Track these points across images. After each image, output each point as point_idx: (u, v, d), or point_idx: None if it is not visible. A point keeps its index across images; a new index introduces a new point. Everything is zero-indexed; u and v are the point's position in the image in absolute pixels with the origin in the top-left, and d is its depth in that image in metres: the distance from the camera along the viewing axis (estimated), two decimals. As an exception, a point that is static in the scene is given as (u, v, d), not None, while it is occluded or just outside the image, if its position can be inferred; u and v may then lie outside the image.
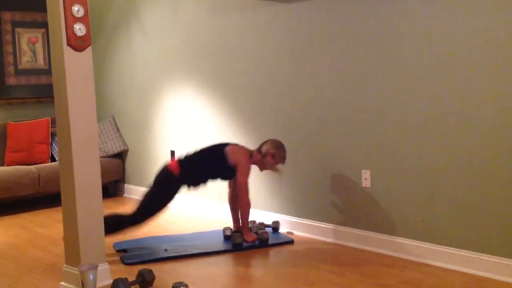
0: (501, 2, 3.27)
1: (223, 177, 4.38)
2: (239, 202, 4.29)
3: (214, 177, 4.31)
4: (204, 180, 4.28)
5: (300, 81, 4.43)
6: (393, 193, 3.88)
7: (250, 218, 4.62)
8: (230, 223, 4.59)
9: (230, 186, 4.48)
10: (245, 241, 4.20)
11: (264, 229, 4.45)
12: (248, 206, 4.25)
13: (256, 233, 4.30)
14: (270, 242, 4.23)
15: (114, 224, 4.00)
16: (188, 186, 4.24)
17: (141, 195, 4.23)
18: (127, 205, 5.83)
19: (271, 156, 4.26)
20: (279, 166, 4.33)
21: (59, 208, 3.71)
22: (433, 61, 3.60)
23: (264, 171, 4.45)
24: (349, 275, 3.52)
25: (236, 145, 4.35)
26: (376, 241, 3.99)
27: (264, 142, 4.33)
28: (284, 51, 4.53)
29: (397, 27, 3.77)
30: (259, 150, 4.31)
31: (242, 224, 4.29)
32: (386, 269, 3.62)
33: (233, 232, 4.38)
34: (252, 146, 4.56)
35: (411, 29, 3.69)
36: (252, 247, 4.16)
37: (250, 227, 4.41)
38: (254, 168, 4.35)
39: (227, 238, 4.34)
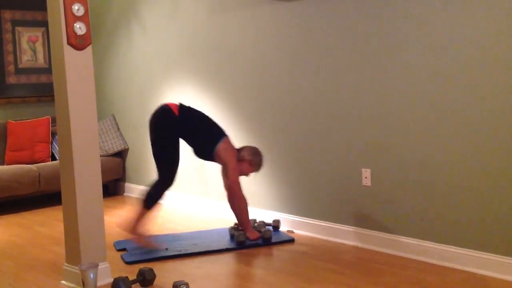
0: (501, 2, 3.27)
1: (198, 153, 4.35)
2: (235, 201, 4.28)
3: (193, 142, 4.29)
4: (188, 141, 4.28)
5: (300, 80, 4.43)
6: (394, 191, 3.88)
7: (250, 217, 4.62)
8: (231, 222, 4.59)
9: (224, 179, 4.45)
10: (248, 239, 4.20)
11: (265, 227, 4.46)
12: (245, 203, 4.26)
13: (259, 231, 4.30)
14: (270, 240, 4.23)
15: (151, 196, 4.12)
16: (182, 134, 4.22)
17: (155, 157, 4.23)
18: (127, 204, 5.84)
19: (248, 162, 4.30)
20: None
21: (60, 207, 3.72)
22: (433, 60, 3.60)
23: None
24: (349, 274, 3.52)
25: (230, 144, 4.31)
26: (376, 240, 3.99)
27: (242, 148, 4.36)
28: (284, 50, 4.53)
29: (397, 27, 3.76)
30: (238, 156, 4.32)
31: (243, 222, 4.29)
32: (387, 267, 3.62)
33: (236, 229, 4.37)
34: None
35: (411, 29, 3.69)
36: (254, 245, 4.16)
37: (256, 225, 4.41)
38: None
39: (233, 236, 4.34)
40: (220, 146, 4.21)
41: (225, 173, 4.36)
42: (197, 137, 4.27)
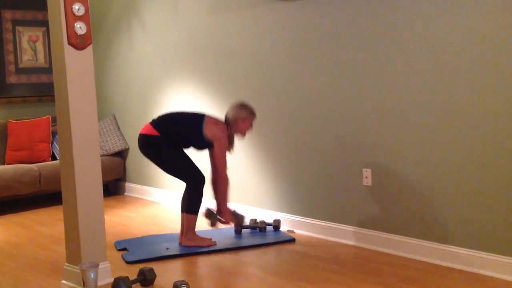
0: (502, 2, 3.26)
1: (198, 147, 4.28)
2: (218, 179, 4.20)
3: (187, 145, 4.23)
4: (180, 143, 4.21)
5: (300, 79, 4.43)
6: (394, 191, 3.88)
7: (252, 217, 4.63)
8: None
9: (211, 164, 4.37)
10: (220, 220, 4.18)
11: (265, 227, 4.47)
12: (227, 182, 4.19)
13: (234, 213, 4.31)
14: (271, 240, 4.23)
15: (192, 202, 4.14)
16: (173, 144, 4.17)
17: (170, 173, 4.25)
18: (128, 204, 5.84)
19: (241, 120, 4.16)
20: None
21: (60, 206, 3.71)
22: (434, 60, 3.59)
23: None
24: (350, 274, 3.52)
25: (213, 118, 4.22)
26: (376, 240, 3.99)
27: (227, 112, 4.22)
28: (284, 50, 4.53)
29: (399, 26, 3.76)
30: (226, 122, 4.20)
31: (221, 202, 4.23)
32: (387, 267, 3.62)
33: (210, 211, 4.30)
34: (252, 147, 4.58)
35: (413, 28, 3.68)
36: (254, 246, 4.15)
37: (258, 222, 4.43)
38: (253, 168, 4.34)
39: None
40: (206, 128, 4.11)
41: (212, 154, 4.26)
42: (186, 138, 4.19)
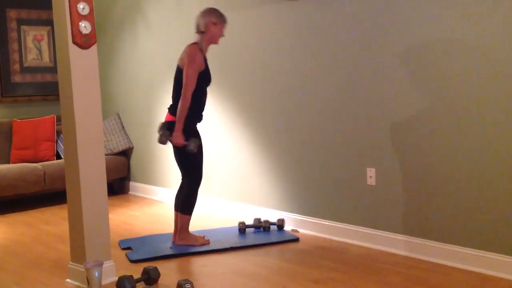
0: (503, 2, 3.26)
1: (201, 90, 4.12)
2: (182, 103, 3.96)
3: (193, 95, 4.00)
4: (196, 109, 4.06)
5: (304, 78, 4.42)
6: (398, 191, 3.88)
7: (255, 216, 4.63)
8: (235, 221, 4.59)
9: None
10: (171, 141, 3.99)
11: (269, 226, 4.47)
12: (187, 103, 3.94)
13: (187, 145, 3.99)
14: (275, 240, 4.23)
15: (186, 202, 4.13)
16: (195, 121, 4.08)
17: (179, 164, 4.17)
18: (132, 203, 5.85)
19: (212, 25, 4.03)
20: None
21: (65, 205, 3.72)
22: (438, 60, 3.59)
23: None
24: (354, 273, 3.52)
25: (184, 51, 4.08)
26: (381, 239, 3.99)
27: (196, 22, 4.10)
28: (288, 49, 4.52)
29: (403, 26, 3.75)
30: (199, 32, 4.08)
31: (176, 120, 3.96)
32: (391, 267, 3.62)
33: (162, 126, 4.08)
34: (257, 147, 4.57)
35: (416, 29, 3.68)
36: (258, 245, 4.15)
37: (262, 221, 4.43)
38: (257, 167, 4.33)
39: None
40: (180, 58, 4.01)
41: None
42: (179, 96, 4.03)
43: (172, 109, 4.09)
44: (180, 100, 3.96)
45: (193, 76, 3.97)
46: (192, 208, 4.18)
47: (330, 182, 4.31)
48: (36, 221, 5.13)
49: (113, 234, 4.08)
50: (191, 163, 4.13)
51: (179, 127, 3.96)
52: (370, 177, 4.03)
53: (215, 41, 4.13)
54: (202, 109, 4.17)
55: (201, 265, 3.80)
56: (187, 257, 3.96)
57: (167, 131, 4.01)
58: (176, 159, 4.18)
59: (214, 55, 5.21)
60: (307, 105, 4.42)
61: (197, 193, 4.18)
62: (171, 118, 4.06)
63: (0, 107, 6.24)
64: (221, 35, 4.13)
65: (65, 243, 4.16)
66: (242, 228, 4.43)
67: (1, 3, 6.19)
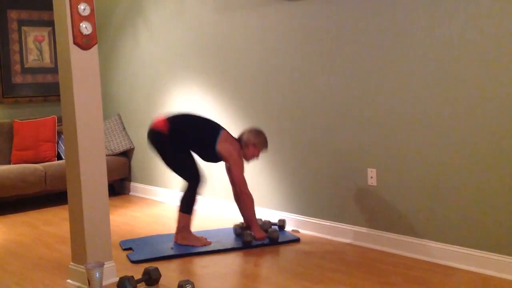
0: (503, 2, 3.25)
1: (204, 158, 4.33)
2: (240, 197, 4.27)
3: (195, 151, 4.27)
4: (187, 147, 4.24)
5: (306, 79, 4.42)
6: (399, 191, 3.88)
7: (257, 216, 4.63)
8: (236, 221, 4.59)
9: (230, 180, 4.43)
10: (255, 238, 4.18)
11: (270, 227, 4.46)
12: (251, 199, 4.23)
13: (266, 231, 4.29)
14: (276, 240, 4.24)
15: (187, 202, 4.17)
16: (180, 145, 4.20)
17: (170, 169, 4.28)
18: (133, 204, 5.85)
19: (252, 146, 4.21)
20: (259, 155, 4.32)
21: (66, 206, 3.72)
22: (440, 60, 3.58)
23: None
24: (354, 273, 3.52)
25: (228, 136, 4.25)
26: (382, 240, 3.99)
27: (242, 133, 4.29)
28: (290, 49, 4.52)
29: (405, 27, 3.75)
30: (239, 142, 4.26)
31: (249, 220, 4.27)
32: (392, 267, 3.62)
33: (242, 228, 4.37)
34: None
35: (419, 29, 3.68)
36: (260, 245, 4.15)
37: (261, 223, 4.41)
38: (258, 168, 4.34)
39: (238, 235, 4.35)
40: (220, 144, 4.16)
41: (229, 169, 4.34)
42: (195, 144, 4.24)
43: (171, 125, 4.17)
44: (243, 200, 4.23)
45: (243, 176, 4.21)
46: (191, 208, 4.18)
47: (331, 182, 4.31)
48: (37, 222, 5.13)
49: (114, 234, 4.08)
50: (180, 168, 4.23)
51: (255, 225, 4.23)
52: (371, 177, 4.03)
53: (247, 158, 4.27)
54: (194, 152, 4.33)
55: (202, 266, 3.80)
56: (188, 257, 3.96)
57: (249, 232, 4.15)
58: (170, 169, 4.28)
59: (215, 55, 5.22)
60: (309, 106, 4.42)
61: (196, 193, 4.18)
62: (161, 127, 4.17)
63: (1, 108, 6.25)
64: (256, 157, 4.28)
65: (66, 244, 4.17)
66: (239, 232, 4.36)
67: (2, 4, 6.20)
